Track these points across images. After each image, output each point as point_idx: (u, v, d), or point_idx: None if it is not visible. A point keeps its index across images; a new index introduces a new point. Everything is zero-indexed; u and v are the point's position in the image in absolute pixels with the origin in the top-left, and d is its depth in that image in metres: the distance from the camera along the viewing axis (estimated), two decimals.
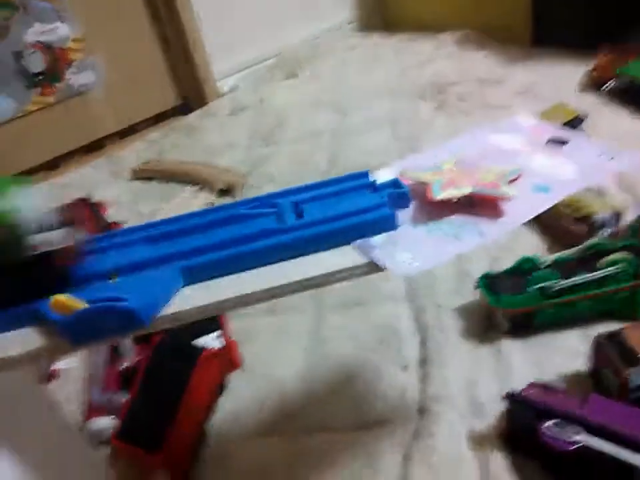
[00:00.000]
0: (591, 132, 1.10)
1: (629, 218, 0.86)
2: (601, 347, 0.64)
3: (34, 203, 0.42)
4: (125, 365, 0.76)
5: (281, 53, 1.82)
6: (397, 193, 0.47)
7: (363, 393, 0.73)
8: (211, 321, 0.79)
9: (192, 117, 1.65)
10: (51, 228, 0.42)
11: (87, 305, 0.39)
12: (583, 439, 0.55)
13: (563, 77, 1.33)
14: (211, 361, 0.69)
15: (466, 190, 0.44)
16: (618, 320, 0.73)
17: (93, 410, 0.74)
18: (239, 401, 0.75)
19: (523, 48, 1.55)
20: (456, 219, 0.45)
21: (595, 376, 0.67)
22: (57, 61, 1.40)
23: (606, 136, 1.09)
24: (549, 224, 0.90)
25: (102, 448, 0.70)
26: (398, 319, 0.83)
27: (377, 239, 0.43)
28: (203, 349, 0.69)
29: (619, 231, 0.84)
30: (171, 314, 0.40)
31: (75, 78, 1.45)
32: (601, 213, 0.84)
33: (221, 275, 0.43)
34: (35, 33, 1.34)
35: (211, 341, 0.75)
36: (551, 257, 0.77)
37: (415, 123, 1.32)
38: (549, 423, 0.57)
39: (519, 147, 0.52)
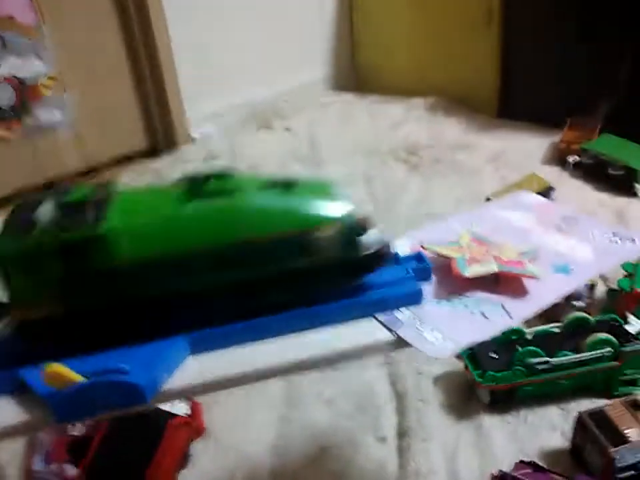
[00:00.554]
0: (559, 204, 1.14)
1: (600, 290, 0.88)
2: (584, 424, 0.63)
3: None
4: (76, 432, 0.68)
5: (255, 104, 1.83)
6: (421, 268, 0.45)
7: (339, 468, 0.69)
8: None
9: (161, 162, 1.61)
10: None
11: (83, 379, 0.34)
12: None
13: (529, 148, 1.39)
14: (179, 429, 0.63)
15: (493, 267, 0.43)
16: (594, 395, 0.73)
17: None
18: (203, 474, 0.69)
19: (490, 117, 1.62)
20: (479, 295, 0.43)
21: (577, 453, 0.65)
22: (27, 96, 1.35)
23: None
24: None
25: None
26: (375, 386, 0.80)
27: (402, 316, 0.41)
28: (170, 414, 0.64)
29: (591, 302, 0.85)
30: (176, 389, 0.35)
31: (43, 114, 1.40)
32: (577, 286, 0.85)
33: (231, 346, 0.39)
34: (9, 66, 1.29)
35: (177, 404, 0.69)
36: (534, 329, 0.76)
37: (390, 183, 1.33)
38: None
39: (530, 225, 0.52)
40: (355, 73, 2.08)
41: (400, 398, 0.77)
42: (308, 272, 0.40)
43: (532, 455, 0.66)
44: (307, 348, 0.38)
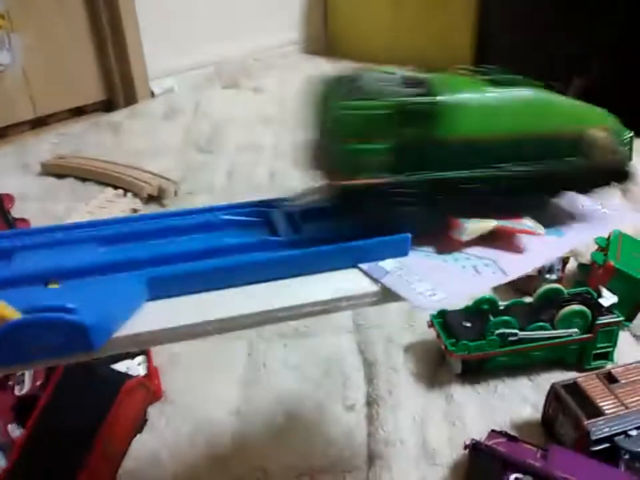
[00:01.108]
0: None
1: (571, 264, 0.88)
2: (558, 395, 0.62)
3: None
4: (22, 391, 0.62)
5: (221, 61, 1.74)
6: None
7: (305, 435, 0.66)
8: None
9: (117, 116, 1.51)
10: None
11: (20, 315, 0.28)
12: None
13: None
14: (136, 392, 0.58)
15: (491, 223, 0.40)
16: (566, 368, 0.73)
17: None
18: (159, 440, 0.64)
19: None
20: (473, 251, 0.40)
21: (548, 425, 0.65)
22: None
23: None
24: None
25: None
26: (344, 353, 0.77)
27: (387, 264, 0.37)
28: (126, 376, 0.58)
29: (563, 276, 0.85)
30: (131, 335, 0.30)
31: None
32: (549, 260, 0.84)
33: (195, 291, 0.34)
34: None
35: (135, 366, 0.64)
36: (507, 301, 0.75)
37: None
38: (513, 477, 0.53)
39: None
40: (328, 39, 2.02)
41: (369, 366, 0.74)
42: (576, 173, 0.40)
43: (503, 426, 0.65)
44: (282, 297, 0.34)
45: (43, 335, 0.28)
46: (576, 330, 0.70)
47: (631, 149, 0.44)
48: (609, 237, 0.82)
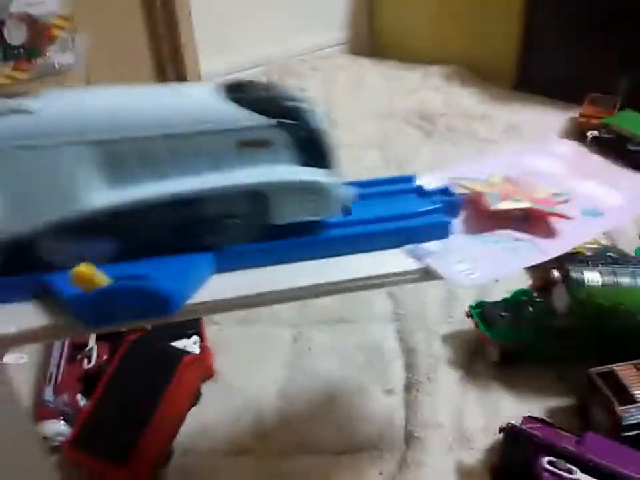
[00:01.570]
0: None
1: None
2: (592, 382, 0.63)
3: None
4: (89, 365, 0.68)
5: (268, 63, 1.80)
6: (449, 201, 0.45)
7: (346, 415, 0.69)
8: (189, 323, 0.73)
9: None
10: None
11: (110, 281, 0.33)
12: (581, 477, 0.53)
13: (546, 122, 1.38)
14: (192, 367, 0.63)
15: (525, 204, 0.43)
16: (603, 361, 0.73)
17: (43, 412, 0.66)
18: (210, 413, 0.70)
19: (507, 89, 1.60)
20: (510, 234, 0.43)
21: (584, 412, 0.66)
22: (39, 35, 1.31)
23: None
24: None
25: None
26: (384, 340, 0.80)
27: (430, 246, 0.40)
28: (184, 352, 0.64)
29: None
30: (204, 302, 0.35)
31: (55, 56, 1.36)
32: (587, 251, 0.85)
33: (254, 266, 0.38)
34: (22, 3, 1.25)
35: (190, 345, 0.69)
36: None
37: (404, 147, 1.32)
38: (547, 460, 0.55)
39: (561, 171, 0.51)
40: (372, 39, 2.04)
41: (408, 354, 0.77)
42: None
43: (538, 413, 0.67)
44: (329, 272, 0.38)
45: (129, 300, 0.33)
46: None
47: None
48: None
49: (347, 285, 0.37)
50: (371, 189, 0.46)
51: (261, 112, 0.37)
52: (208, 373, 0.73)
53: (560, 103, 1.43)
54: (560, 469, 0.54)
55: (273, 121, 0.37)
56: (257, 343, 0.80)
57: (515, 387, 0.72)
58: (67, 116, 0.36)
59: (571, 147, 0.57)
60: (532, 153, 0.55)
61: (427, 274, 0.38)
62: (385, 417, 0.69)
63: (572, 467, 0.54)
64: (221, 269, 0.38)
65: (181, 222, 0.37)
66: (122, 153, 0.36)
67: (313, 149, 0.39)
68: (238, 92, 0.38)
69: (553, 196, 0.45)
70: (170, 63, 1.64)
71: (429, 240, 0.41)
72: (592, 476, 0.54)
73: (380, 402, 0.71)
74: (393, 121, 1.46)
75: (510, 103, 1.52)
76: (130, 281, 0.34)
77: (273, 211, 0.38)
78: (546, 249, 0.41)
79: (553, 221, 0.44)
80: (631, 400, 0.60)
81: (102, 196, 0.35)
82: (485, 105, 1.53)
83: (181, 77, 1.65)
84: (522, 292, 0.74)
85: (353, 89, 1.69)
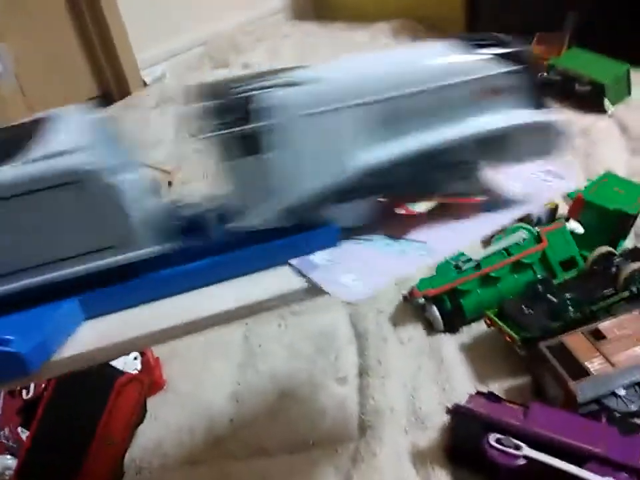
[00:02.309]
0: None
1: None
2: (543, 356, 0.61)
3: None
4: (28, 395, 0.66)
5: (210, 41, 1.72)
6: None
7: (299, 412, 0.68)
8: None
9: (113, 110, 1.53)
10: None
11: None
12: (528, 452, 0.52)
13: None
14: (129, 387, 0.61)
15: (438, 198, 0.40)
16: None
17: None
18: (161, 427, 0.68)
19: None
20: (411, 235, 0.40)
21: (537, 386, 0.65)
22: None
23: None
24: None
25: None
26: (336, 327, 0.78)
27: (316, 258, 0.37)
28: (118, 373, 0.61)
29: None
30: (68, 357, 0.32)
31: None
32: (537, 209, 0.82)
33: (126, 307, 0.35)
34: None
35: (131, 360, 0.67)
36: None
37: None
38: (493, 437, 0.54)
39: None
40: (315, 1, 1.95)
41: (360, 338, 0.75)
42: None
43: (493, 389, 0.65)
44: (211, 302, 0.35)
45: None
46: (525, 232, 0.71)
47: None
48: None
49: (225, 316, 0.34)
50: None
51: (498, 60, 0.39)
52: (155, 385, 0.71)
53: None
54: (506, 446, 0.53)
55: (514, 67, 0.39)
56: (208, 347, 0.78)
57: (470, 364, 0.70)
58: (341, 82, 0.37)
59: None
60: None
61: (314, 291, 0.35)
62: (338, 407, 0.68)
63: (518, 442, 0.53)
64: (90, 315, 0.35)
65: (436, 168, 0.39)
66: (392, 111, 0.37)
67: (534, 92, 0.40)
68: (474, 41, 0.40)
69: None
70: (104, 58, 1.56)
71: (317, 250, 0.38)
72: (539, 449, 0.53)
73: (333, 392, 0.70)
74: None
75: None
76: None
77: (509, 153, 0.40)
78: (437, 249, 0.38)
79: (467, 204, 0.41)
80: (583, 373, 0.58)
81: (369, 155, 0.37)
82: None
83: (117, 71, 1.57)
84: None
85: (300, 56, 1.62)
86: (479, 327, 0.73)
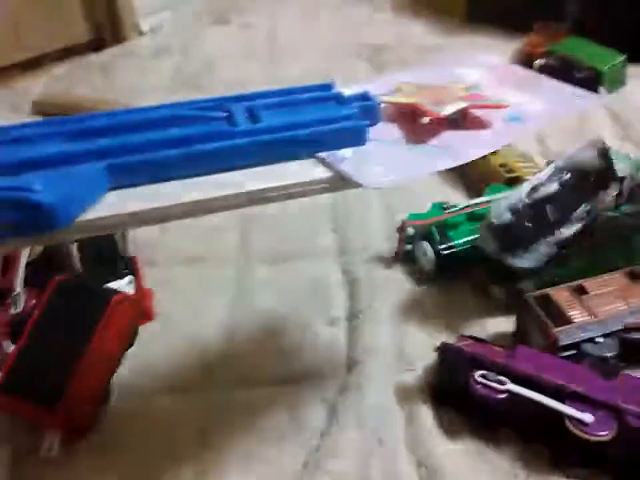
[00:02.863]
0: None
1: None
2: (529, 306, 0.64)
3: None
4: (16, 310, 0.65)
5: None
6: (367, 106, 0.42)
7: (289, 347, 0.69)
8: (122, 264, 0.70)
9: (106, 55, 1.49)
10: None
11: None
12: (511, 387, 0.55)
13: (497, 51, 1.35)
14: (124, 306, 0.61)
15: (462, 104, 0.41)
16: None
17: None
18: (150, 353, 0.68)
19: (458, 20, 1.56)
20: (435, 143, 0.41)
21: (521, 334, 0.67)
22: None
23: None
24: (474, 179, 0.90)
25: None
26: (327, 274, 0.79)
27: (344, 152, 0.38)
28: (114, 292, 0.61)
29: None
30: (97, 218, 0.32)
31: None
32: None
33: (155, 181, 0.35)
34: None
35: (124, 286, 0.67)
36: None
37: (352, 81, 1.27)
38: (479, 373, 0.56)
39: (485, 81, 0.50)
40: None
41: (351, 284, 0.77)
42: None
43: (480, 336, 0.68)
44: (232, 185, 0.35)
45: (9, 213, 0.30)
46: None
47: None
48: None
49: (251, 196, 0.35)
50: (285, 98, 0.43)
51: None
52: (146, 315, 0.71)
53: (512, 32, 1.40)
54: (491, 381, 0.56)
55: None
56: (199, 283, 0.78)
57: (457, 311, 0.72)
58: None
59: (499, 59, 0.55)
60: (459, 63, 0.53)
61: (340, 180, 0.36)
62: (327, 346, 0.69)
63: (502, 378, 0.56)
64: (117, 184, 0.35)
65: None
66: None
67: None
68: None
69: (469, 90, 0.44)
70: (101, 3, 1.52)
71: (344, 147, 0.39)
72: (521, 385, 0.55)
73: (323, 332, 0.71)
74: (341, 54, 1.41)
75: (461, 34, 1.49)
76: (9, 191, 0.31)
77: None
78: (461, 155, 0.39)
79: (486, 114, 0.43)
80: (566, 321, 0.61)
81: None
82: (436, 36, 1.50)
83: (113, 15, 1.54)
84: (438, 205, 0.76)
85: (299, 24, 1.62)
86: (467, 278, 0.75)
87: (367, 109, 0.41)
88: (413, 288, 0.76)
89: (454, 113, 0.41)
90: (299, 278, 0.79)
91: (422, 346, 0.68)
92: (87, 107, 1.17)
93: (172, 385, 0.65)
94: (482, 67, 0.52)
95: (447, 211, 0.76)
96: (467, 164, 0.96)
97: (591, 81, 1.13)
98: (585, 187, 0.64)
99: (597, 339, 0.60)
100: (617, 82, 1.14)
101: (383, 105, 0.43)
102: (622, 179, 0.74)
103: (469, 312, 0.72)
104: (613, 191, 0.66)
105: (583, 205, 0.65)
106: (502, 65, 0.54)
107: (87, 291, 0.62)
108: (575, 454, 0.53)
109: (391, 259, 0.80)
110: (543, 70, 1.20)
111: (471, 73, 0.51)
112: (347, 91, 0.45)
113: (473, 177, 0.91)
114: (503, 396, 0.55)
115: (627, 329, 0.60)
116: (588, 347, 0.59)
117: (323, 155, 0.38)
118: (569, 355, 0.59)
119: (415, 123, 0.41)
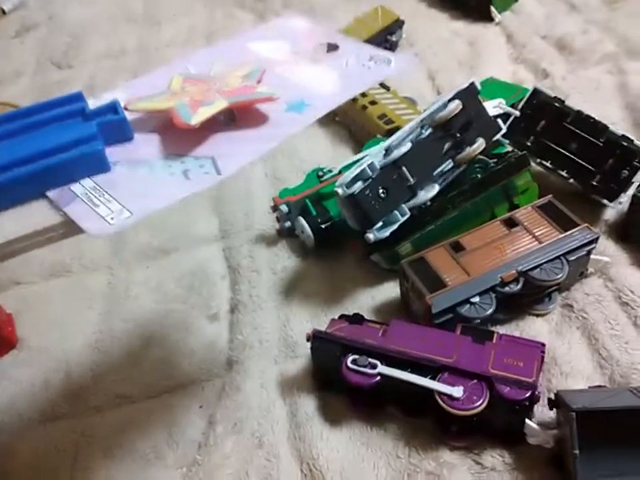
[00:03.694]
0: (407, 37, 1.04)
1: None
2: (405, 272, 0.60)
3: None
4: None
5: None
6: (113, 121, 0.35)
7: (167, 354, 0.64)
8: None
9: None
10: None
11: None
12: (382, 370, 0.52)
13: None
14: None
15: (222, 103, 0.34)
16: None
17: None
18: (15, 385, 0.63)
19: None
20: (197, 152, 0.35)
21: (405, 301, 0.64)
22: None
23: (421, 42, 1.04)
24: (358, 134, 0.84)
25: None
26: (209, 263, 0.74)
27: (82, 187, 0.31)
28: None
29: None
30: None
31: None
32: None
33: None
34: None
35: None
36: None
37: (233, 35, 1.17)
38: (349, 359, 0.53)
39: (282, 56, 0.43)
40: None
41: (234, 272, 0.72)
42: None
43: (365, 310, 0.64)
44: None
45: None
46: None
47: None
48: None
49: None
50: (30, 119, 0.36)
51: None
52: (7, 344, 0.65)
53: None
54: (362, 366, 0.52)
55: None
56: (67, 296, 0.72)
57: (344, 284, 0.68)
58: None
59: (304, 24, 0.48)
60: (259, 36, 0.46)
61: (69, 227, 0.30)
62: (207, 346, 0.64)
63: (374, 361, 0.52)
64: None
65: None
66: None
67: None
68: None
69: (246, 78, 0.37)
70: None
71: (83, 177, 0.32)
72: (394, 365, 0.52)
73: (203, 331, 0.66)
74: (222, 7, 1.28)
75: None
76: None
77: None
78: (226, 166, 0.33)
79: (261, 107, 0.36)
80: (441, 285, 0.57)
81: None
82: None
83: None
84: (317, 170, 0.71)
85: None
86: (350, 253, 0.71)
87: (114, 124, 0.34)
88: (297, 265, 0.71)
89: (207, 118, 0.34)
90: (178, 273, 0.73)
91: (306, 329, 0.63)
92: None
93: (41, 416, 0.60)
94: (283, 35, 0.45)
95: (322, 179, 0.70)
96: (347, 115, 0.90)
97: (481, 4, 1.06)
98: (447, 141, 0.59)
99: (472, 299, 0.56)
100: (508, 0, 1.08)
101: (134, 115, 0.36)
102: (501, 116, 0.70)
103: (357, 284, 0.68)
104: (481, 144, 0.61)
105: (446, 162, 0.60)
106: (307, 29, 0.47)
107: None
108: (456, 425, 0.51)
109: (275, 236, 0.75)
110: None
111: (264, 47, 0.43)
112: (93, 102, 0.37)
113: (357, 131, 0.85)
114: (376, 379, 0.52)
115: (503, 283, 0.57)
116: (462, 310, 0.56)
117: (52, 192, 0.31)
118: (446, 321, 0.56)
119: (176, 130, 0.34)
